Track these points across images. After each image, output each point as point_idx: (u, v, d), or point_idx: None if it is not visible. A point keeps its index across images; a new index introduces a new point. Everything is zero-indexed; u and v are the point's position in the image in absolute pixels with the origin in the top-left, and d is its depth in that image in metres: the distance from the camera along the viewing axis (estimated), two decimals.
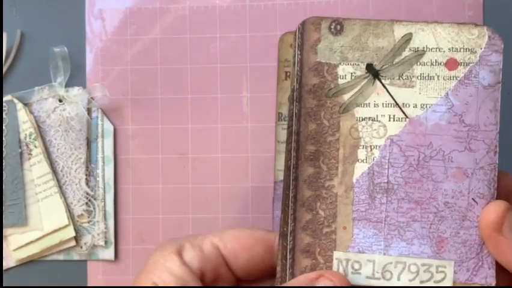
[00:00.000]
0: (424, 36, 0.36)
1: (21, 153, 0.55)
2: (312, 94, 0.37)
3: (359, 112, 0.37)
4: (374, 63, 0.37)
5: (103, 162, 0.56)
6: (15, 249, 0.55)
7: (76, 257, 0.56)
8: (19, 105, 0.56)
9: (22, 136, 0.55)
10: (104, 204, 0.56)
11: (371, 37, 0.37)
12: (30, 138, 0.56)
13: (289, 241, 0.35)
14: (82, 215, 0.56)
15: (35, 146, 0.55)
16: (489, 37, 0.36)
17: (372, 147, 0.36)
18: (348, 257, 0.35)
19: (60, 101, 0.56)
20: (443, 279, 0.35)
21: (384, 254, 0.35)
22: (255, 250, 0.36)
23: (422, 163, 0.36)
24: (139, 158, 0.56)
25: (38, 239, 0.55)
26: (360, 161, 0.36)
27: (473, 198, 0.35)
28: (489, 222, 0.33)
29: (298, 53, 0.37)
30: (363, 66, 0.37)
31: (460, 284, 0.35)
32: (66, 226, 0.55)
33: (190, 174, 0.56)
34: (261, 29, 0.55)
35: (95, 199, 0.56)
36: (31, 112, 0.56)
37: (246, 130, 0.55)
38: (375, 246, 0.35)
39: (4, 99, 0.56)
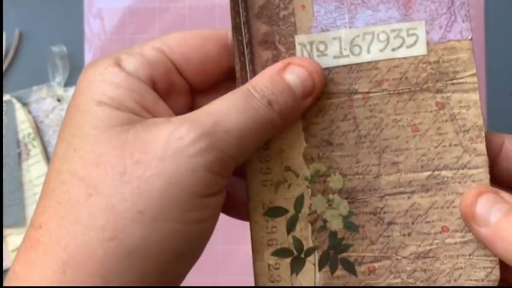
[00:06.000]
0: None
1: (19, 154, 0.55)
2: None
3: None
4: None
5: None
6: (13, 250, 0.55)
7: None
8: (17, 105, 0.55)
9: (20, 136, 0.55)
10: None
11: None
12: (28, 138, 0.55)
13: (245, 34, 0.31)
14: None
15: (34, 146, 0.55)
16: None
17: None
18: (312, 39, 0.31)
19: (58, 100, 0.56)
20: (415, 42, 0.31)
21: (350, 27, 0.31)
22: (206, 49, 0.30)
23: None
24: None
25: None
26: None
27: None
28: (463, 212, 0.30)
29: None
30: None
31: (434, 44, 0.31)
32: None
33: None
34: None
35: None
36: (29, 112, 0.56)
37: None
38: (339, 20, 0.31)
39: (3, 98, 0.56)
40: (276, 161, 0.31)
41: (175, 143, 0.25)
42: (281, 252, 0.31)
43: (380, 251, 0.31)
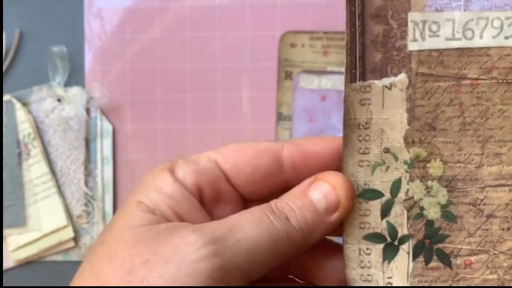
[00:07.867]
0: None
1: (19, 154, 0.55)
2: None
3: None
4: None
5: (102, 163, 0.56)
6: (13, 250, 0.55)
7: (74, 258, 0.56)
8: (18, 105, 0.55)
9: (20, 136, 0.55)
10: (103, 205, 0.56)
11: None
12: (28, 139, 0.55)
13: (358, 4, 0.30)
14: (80, 215, 0.56)
15: (34, 146, 0.55)
16: None
17: None
18: (425, 18, 0.30)
19: (59, 100, 0.56)
20: None
21: (465, 10, 0.31)
22: (259, 161, 0.30)
23: None
24: (139, 158, 0.56)
25: (36, 240, 0.55)
26: None
27: None
28: None
29: None
30: None
31: None
32: (65, 227, 0.55)
33: None
34: (261, 29, 0.55)
35: (94, 199, 0.56)
36: (30, 112, 0.56)
37: (246, 130, 0.55)
38: (454, 2, 0.31)
39: (3, 98, 0.56)
40: (375, 141, 0.30)
41: (183, 247, 0.26)
42: (373, 237, 0.30)
43: (477, 244, 0.30)
